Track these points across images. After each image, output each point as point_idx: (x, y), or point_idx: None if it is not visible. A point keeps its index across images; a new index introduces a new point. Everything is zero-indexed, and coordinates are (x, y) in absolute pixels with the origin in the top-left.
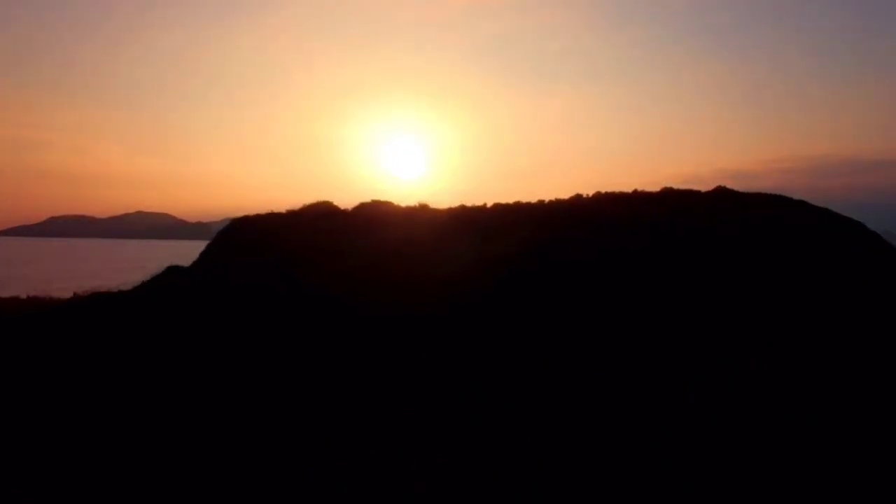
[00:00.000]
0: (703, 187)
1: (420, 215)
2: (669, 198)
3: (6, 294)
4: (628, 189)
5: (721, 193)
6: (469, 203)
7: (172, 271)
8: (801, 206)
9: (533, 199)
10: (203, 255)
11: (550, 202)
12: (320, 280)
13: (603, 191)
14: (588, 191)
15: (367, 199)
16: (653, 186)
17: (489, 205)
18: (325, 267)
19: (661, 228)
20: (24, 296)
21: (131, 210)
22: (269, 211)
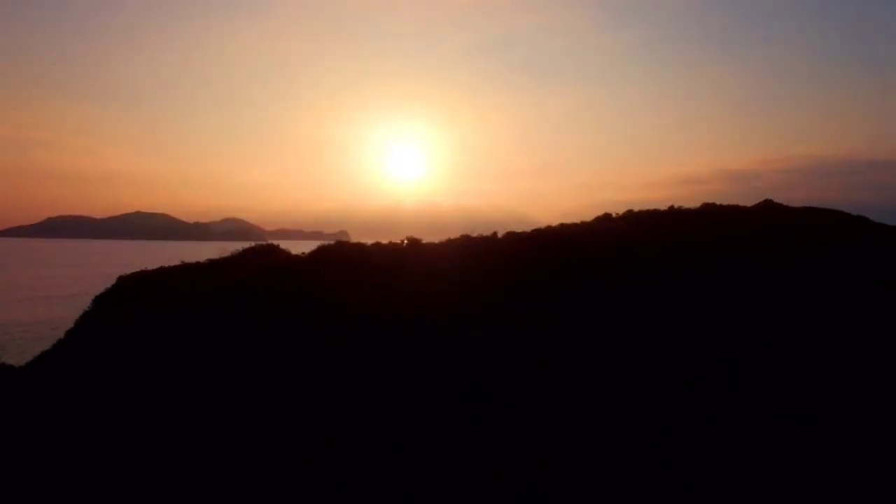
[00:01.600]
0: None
1: (406, 262)
2: (710, 216)
3: None
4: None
5: (768, 210)
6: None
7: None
8: (861, 222)
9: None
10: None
11: (574, 226)
12: None
13: (634, 208)
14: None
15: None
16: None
17: (500, 234)
18: None
19: (705, 266)
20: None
21: (130, 210)
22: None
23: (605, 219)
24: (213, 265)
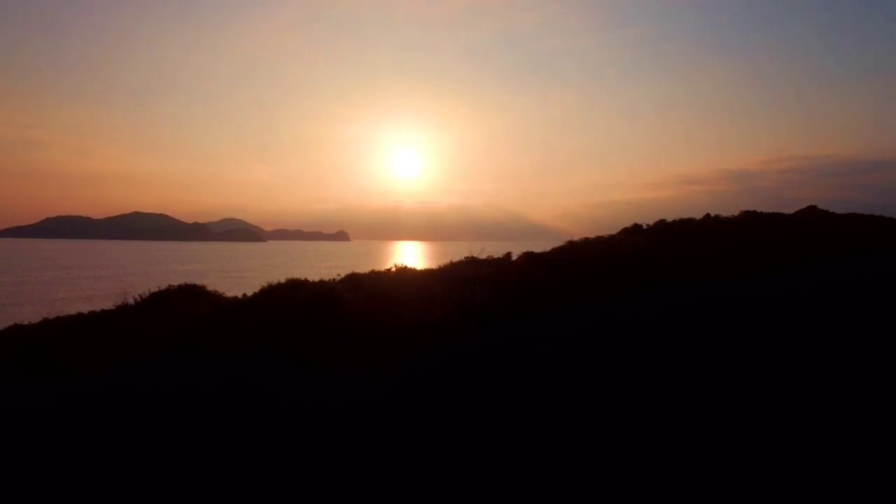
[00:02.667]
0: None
1: (393, 295)
2: (749, 225)
3: None
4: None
5: (811, 217)
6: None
7: None
8: None
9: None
10: None
11: (598, 243)
12: None
13: (668, 218)
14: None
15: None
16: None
17: (514, 255)
18: None
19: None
20: None
21: (128, 211)
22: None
23: (634, 232)
24: (104, 322)
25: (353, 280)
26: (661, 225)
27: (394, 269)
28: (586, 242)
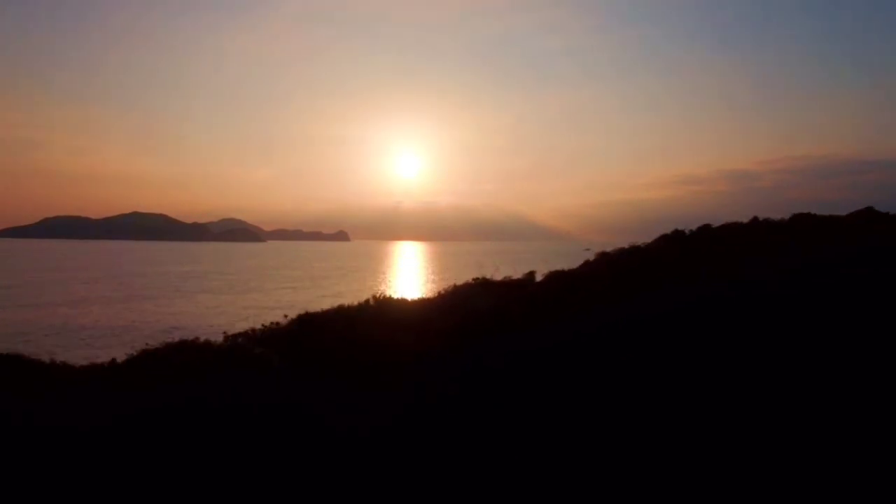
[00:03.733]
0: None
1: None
2: (799, 228)
3: None
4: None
5: (868, 220)
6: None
7: None
8: None
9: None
10: None
11: (626, 254)
12: None
13: (712, 223)
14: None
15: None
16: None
17: (539, 275)
18: None
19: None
20: None
21: (127, 211)
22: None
23: (675, 239)
24: None
25: (307, 324)
26: (706, 231)
27: (372, 301)
28: (621, 251)
